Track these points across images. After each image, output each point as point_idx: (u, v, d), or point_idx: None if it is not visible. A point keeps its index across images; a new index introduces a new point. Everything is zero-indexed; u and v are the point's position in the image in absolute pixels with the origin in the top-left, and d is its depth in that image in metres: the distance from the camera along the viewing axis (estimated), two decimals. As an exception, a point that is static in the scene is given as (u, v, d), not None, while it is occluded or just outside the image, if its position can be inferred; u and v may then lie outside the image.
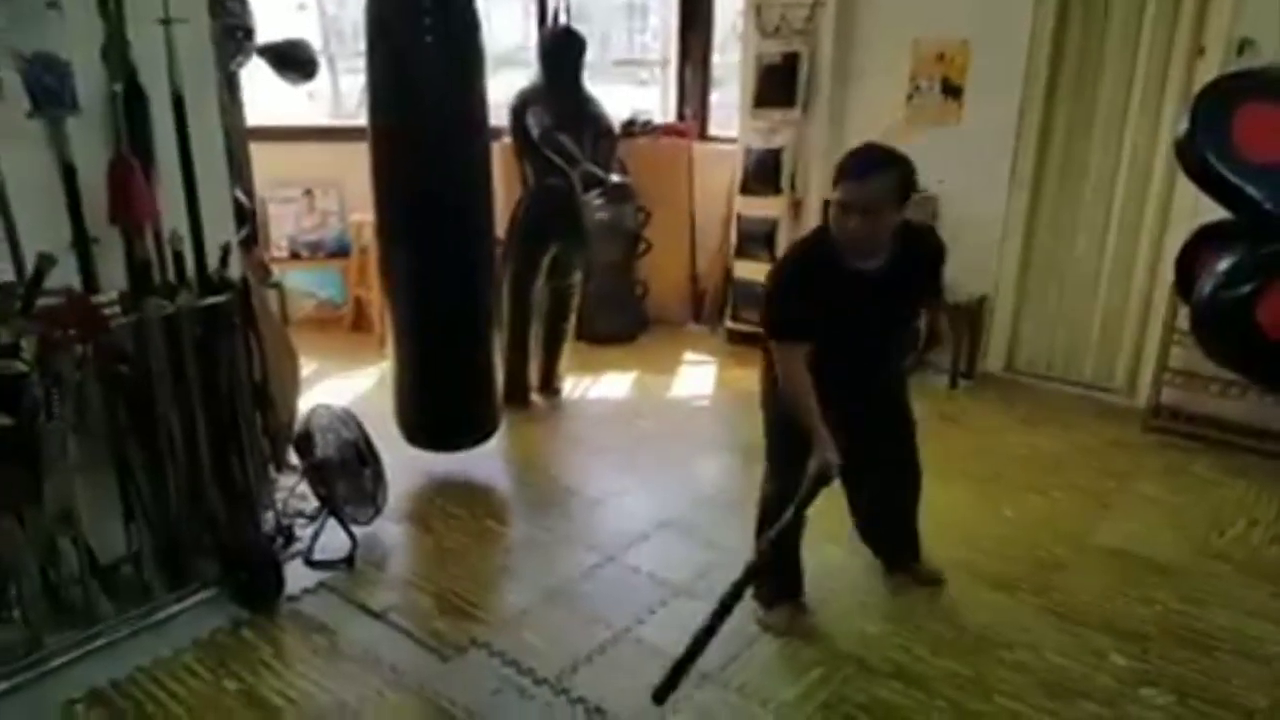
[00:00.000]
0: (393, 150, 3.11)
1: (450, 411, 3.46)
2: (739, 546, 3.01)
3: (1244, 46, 3.67)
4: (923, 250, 2.46)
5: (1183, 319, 3.76)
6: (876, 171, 2.22)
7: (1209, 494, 3.48)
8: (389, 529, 3.14)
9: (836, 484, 2.44)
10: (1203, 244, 2.00)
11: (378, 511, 3.10)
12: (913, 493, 2.80)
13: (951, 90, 4.50)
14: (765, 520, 2.59)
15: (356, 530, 3.00)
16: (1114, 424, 4.12)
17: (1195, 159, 1.47)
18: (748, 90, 5.00)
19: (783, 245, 5.00)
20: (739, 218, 5.16)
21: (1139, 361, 4.28)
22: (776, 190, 4.98)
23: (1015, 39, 4.24)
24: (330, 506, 3.01)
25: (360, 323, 5.30)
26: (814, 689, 2.38)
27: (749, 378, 4.72)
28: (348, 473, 3.06)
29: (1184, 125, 1.49)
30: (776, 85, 4.85)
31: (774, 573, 2.59)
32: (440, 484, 3.50)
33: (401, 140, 3.08)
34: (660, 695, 2.18)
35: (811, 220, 4.91)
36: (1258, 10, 3.64)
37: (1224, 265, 1.43)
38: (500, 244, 3.88)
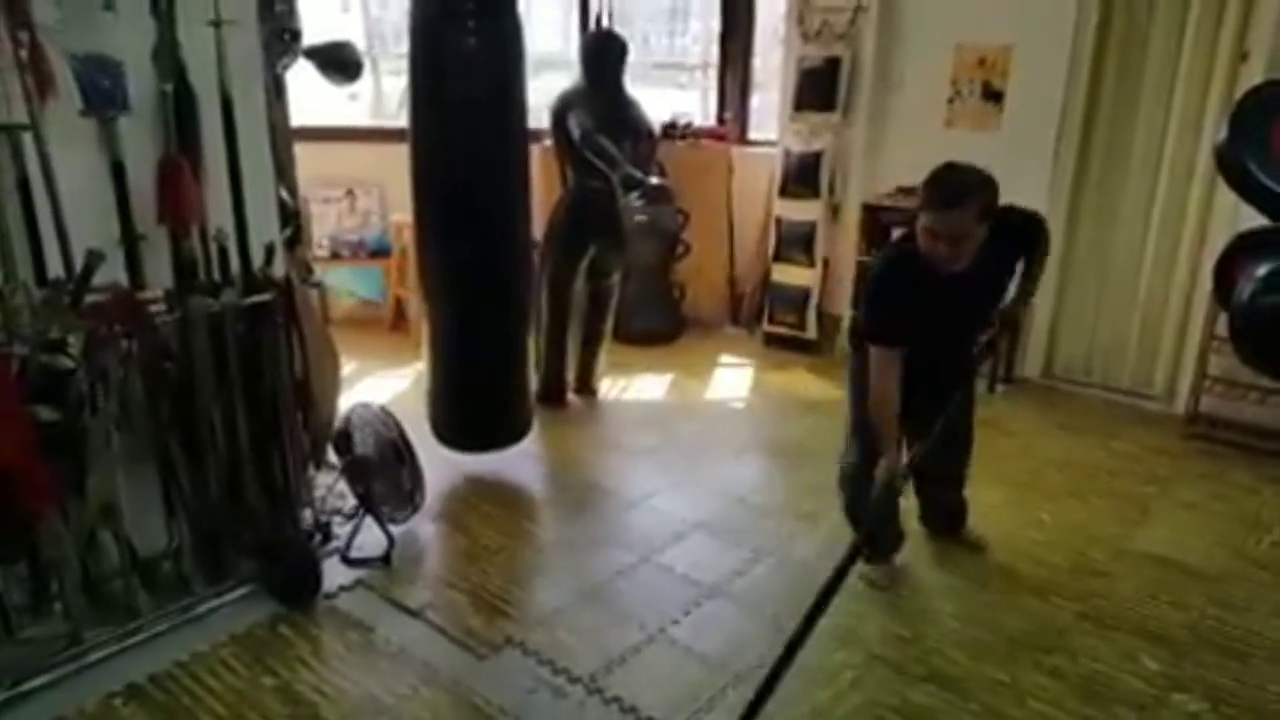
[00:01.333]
0: (431, 152, 3.16)
1: (484, 411, 3.49)
2: (774, 548, 3.09)
3: (1290, 52, 3.62)
4: (1015, 230, 2.54)
5: (1222, 326, 3.70)
6: (961, 202, 2.31)
7: (1247, 501, 3.45)
8: (425, 528, 3.19)
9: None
10: (1241, 251, 2.00)
11: (415, 510, 3.14)
12: (964, 457, 2.94)
13: (993, 95, 4.48)
14: (844, 488, 2.88)
15: (393, 529, 3.04)
16: (1152, 431, 4.09)
17: (1235, 166, 1.47)
18: (788, 93, 5.02)
19: (821, 248, 5.04)
20: (778, 221, 5.17)
21: (1178, 368, 4.24)
22: (815, 193, 4.98)
23: (1058, 44, 4.21)
24: (367, 505, 3.05)
25: (399, 323, 5.36)
26: (846, 692, 2.39)
27: (785, 381, 4.83)
28: (385, 471, 3.10)
29: (1224, 133, 1.50)
30: (817, 89, 4.86)
31: (878, 537, 2.72)
32: (475, 483, 3.54)
33: (440, 142, 3.12)
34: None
35: (850, 223, 4.94)
36: (1302, 17, 3.60)
37: (1263, 271, 1.43)
38: (539, 245, 3.93)
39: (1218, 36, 3.89)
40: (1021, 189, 3.35)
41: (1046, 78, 4.26)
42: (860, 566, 2.70)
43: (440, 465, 3.46)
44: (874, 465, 2.57)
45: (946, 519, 3.07)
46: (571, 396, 4.40)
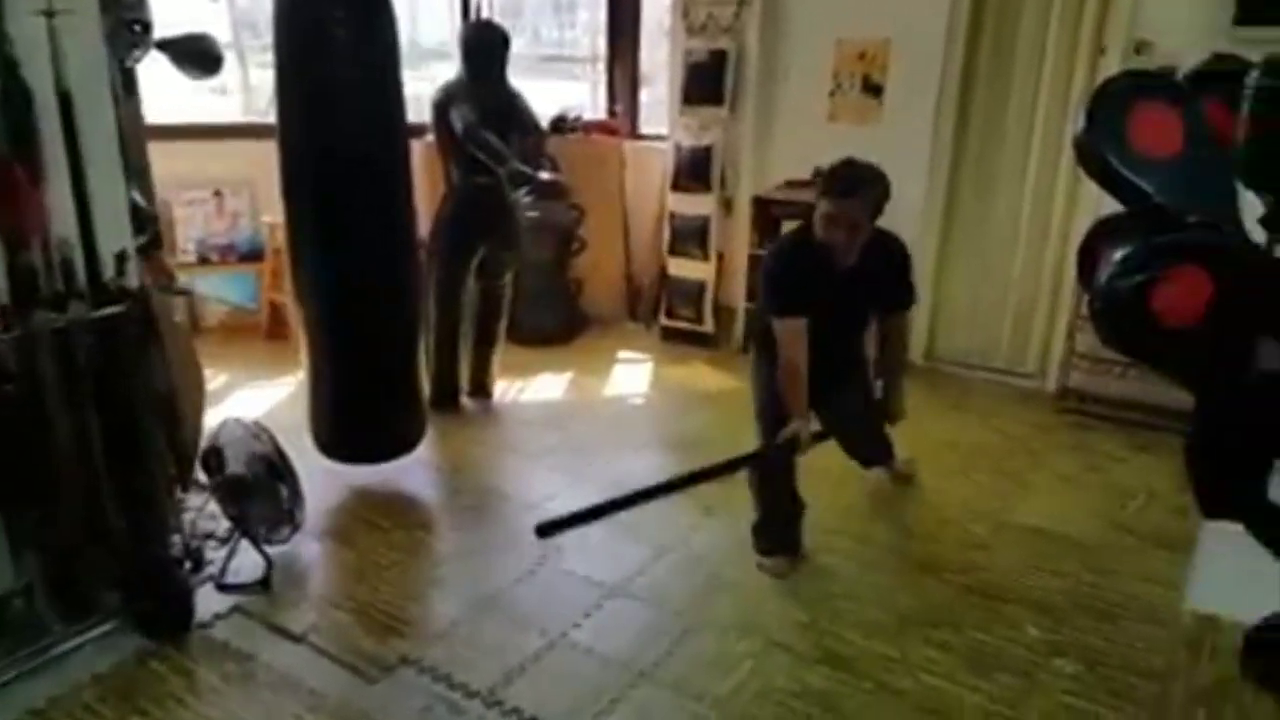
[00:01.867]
0: (300, 149, 3.01)
1: (370, 421, 3.33)
2: (675, 543, 3.09)
3: (1140, 47, 3.85)
4: (887, 253, 2.80)
5: (1087, 306, 3.93)
6: (859, 191, 2.57)
7: (1115, 470, 3.66)
8: (309, 546, 3.02)
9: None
10: (1102, 236, 2.10)
11: (295, 528, 2.95)
12: (878, 414, 3.19)
13: (872, 88, 4.60)
14: (759, 476, 2.97)
15: (273, 550, 2.87)
16: (1028, 407, 4.29)
17: (1093, 155, 1.53)
18: (676, 88, 5.04)
19: (715, 241, 5.08)
20: (672, 215, 5.19)
21: (1048, 347, 4.46)
22: (708, 187, 5.02)
23: (932, 39, 4.36)
24: (241, 526, 2.86)
25: (277, 330, 5.06)
26: (747, 680, 2.41)
27: (684, 375, 4.85)
28: (260, 489, 2.90)
29: (1081, 123, 1.55)
30: (704, 83, 4.90)
31: (772, 526, 2.96)
32: (364, 496, 3.38)
33: (309, 139, 2.98)
34: (544, 530, 2.47)
35: (743, 217, 4.99)
36: (1153, 14, 3.85)
37: (1119, 255, 1.50)
38: (424, 245, 3.83)
39: (1078, 31, 4.11)
40: (901, 181, 3.48)
41: (923, 71, 4.41)
42: (756, 557, 2.96)
43: (325, 479, 3.31)
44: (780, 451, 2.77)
45: (868, 448, 3.37)
46: (466, 400, 4.28)
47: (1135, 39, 3.87)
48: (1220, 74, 1.99)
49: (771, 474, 2.89)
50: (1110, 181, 1.55)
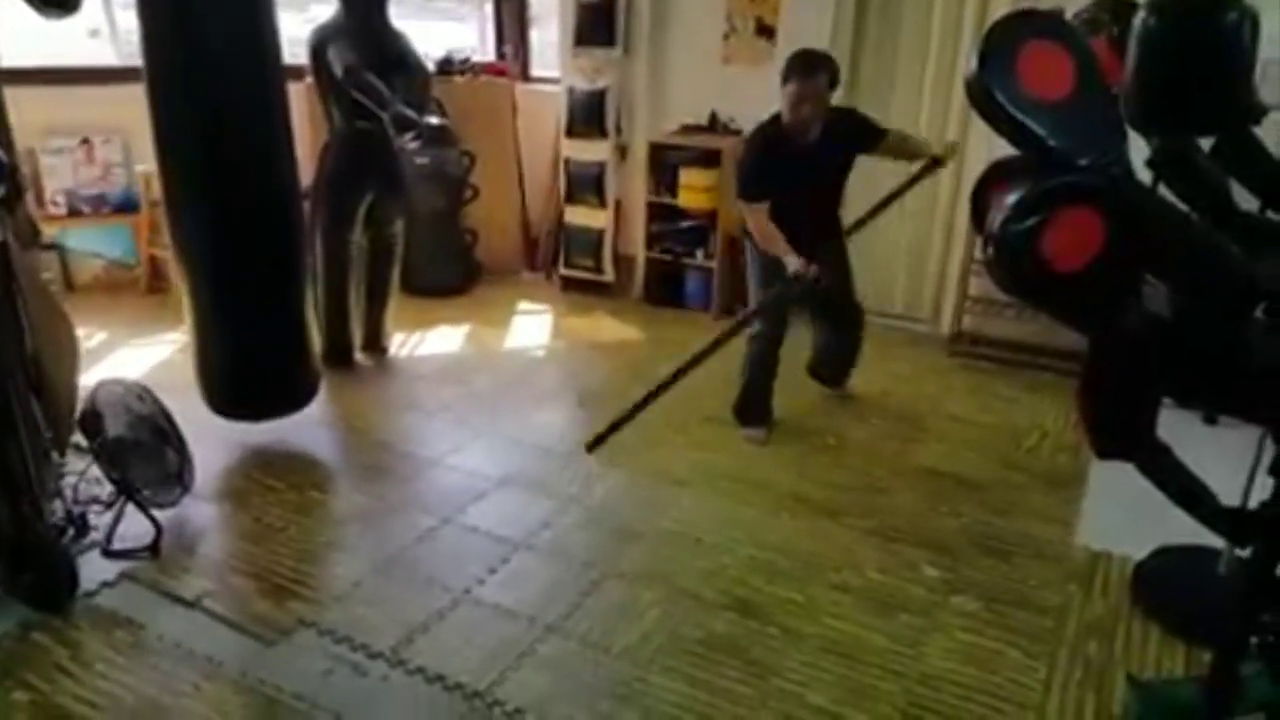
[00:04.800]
0: (171, 91, 2.83)
1: (260, 377, 3.23)
2: (579, 495, 3.07)
3: (1028, -12, 3.88)
4: (840, 120, 3.27)
5: (979, 250, 4.02)
6: (818, 69, 3.08)
7: (1008, 411, 3.78)
8: (200, 509, 2.92)
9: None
10: (995, 180, 2.11)
11: (185, 491, 2.87)
12: (858, 330, 3.69)
13: (765, 30, 4.55)
14: (750, 360, 3.48)
15: (162, 514, 2.77)
16: (923, 351, 4.40)
17: (983, 95, 1.50)
18: (567, 29, 4.89)
19: (612, 189, 4.99)
20: (567, 162, 5.07)
21: (942, 292, 4.57)
22: (603, 134, 4.91)
23: (825, -22, 4.31)
24: (126, 490, 2.74)
25: (157, 284, 4.87)
26: (653, 630, 2.41)
27: (585, 325, 4.78)
28: (144, 452, 2.79)
29: (972, 63, 1.53)
30: (596, 24, 4.76)
31: (755, 403, 3.50)
32: (257, 456, 3.28)
33: (180, 80, 2.80)
34: (591, 445, 2.96)
35: (639, 163, 4.90)
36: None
37: (1011, 199, 1.49)
38: (307, 193, 3.63)
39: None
40: None
41: (814, 13, 4.37)
42: (739, 430, 3.49)
43: (215, 439, 3.20)
44: (770, 342, 3.41)
45: (836, 367, 3.76)
46: (359, 356, 4.16)
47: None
48: (1108, 13, 2.03)
49: (767, 354, 3.43)
50: (1003, 125, 1.53)
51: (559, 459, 3.33)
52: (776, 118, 3.18)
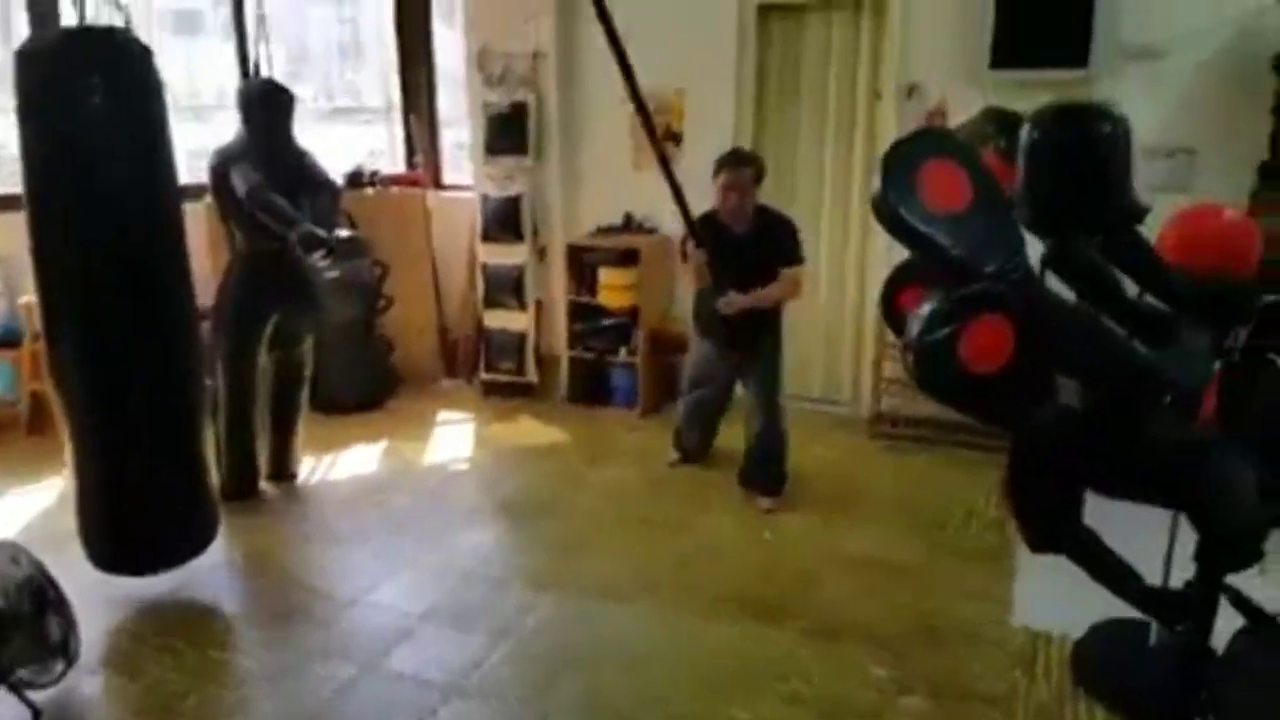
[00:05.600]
0: (51, 220, 2.69)
1: (151, 523, 2.92)
2: (511, 625, 2.90)
3: (912, 91, 4.16)
4: (775, 224, 3.60)
5: (890, 334, 4.15)
6: (745, 163, 3.51)
7: (932, 491, 3.85)
8: (86, 682, 2.60)
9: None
10: (900, 281, 2.19)
11: (69, 663, 2.52)
12: (775, 438, 3.75)
13: (672, 137, 4.70)
14: (688, 416, 4.03)
15: (42, 694, 2.43)
16: (845, 434, 4.47)
17: (889, 213, 1.57)
18: (478, 139, 4.95)
19: (532, 291, 5.00)
20: (484, 267, 5.07)
21: (859, 374, 4.69)
22: (519, 237, 4.94)
23: (722, 88, 4.53)
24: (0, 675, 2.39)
25: (40, 424, 4.43)
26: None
27: (510, 431, 4.70)
28: (22, 625, 2.44)
29: (876, 184, 1.59)
30: (507, 133, 4.84)
31: (691, 429, 4.02)
32: (151, 613, 2.96)
33: (64, 206, 2.66)
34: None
35: (558, 264, 4.95)
36: (918, 63, 4.17)
37: (926, 310, 1.54)
38: (208, 316, 3.51)
39: (856, 77, 4.39)
40: None
41: (717, 119, 4.55)
42: (671, 454, 4.06)
43: (103, 597, 2.90)
44: (698, 407, 3.93)
45: (761, 480, 3.77)
46: (265, 485, 3.90)
47: (906, 83, 4.16)
48: (993, 126, 2.16)
49: (696, 408, 3.95)
50: (907, 238, 1.59)
51: (487, 585, 3.15)
52: (713, 211, 3.55)
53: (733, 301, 3.54)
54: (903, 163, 1.58)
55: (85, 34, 2.65)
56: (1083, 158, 1.67)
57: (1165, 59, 3.74)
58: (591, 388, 5.00)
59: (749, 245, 3.54)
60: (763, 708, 2.49)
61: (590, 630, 2.88)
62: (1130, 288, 1.78)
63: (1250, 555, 1.61)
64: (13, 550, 2.54)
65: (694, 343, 3.94)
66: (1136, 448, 1.58)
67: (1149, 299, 1.75)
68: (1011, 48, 3.86)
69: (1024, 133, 1.72)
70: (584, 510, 3.73)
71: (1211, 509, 1.58)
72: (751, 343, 3.69)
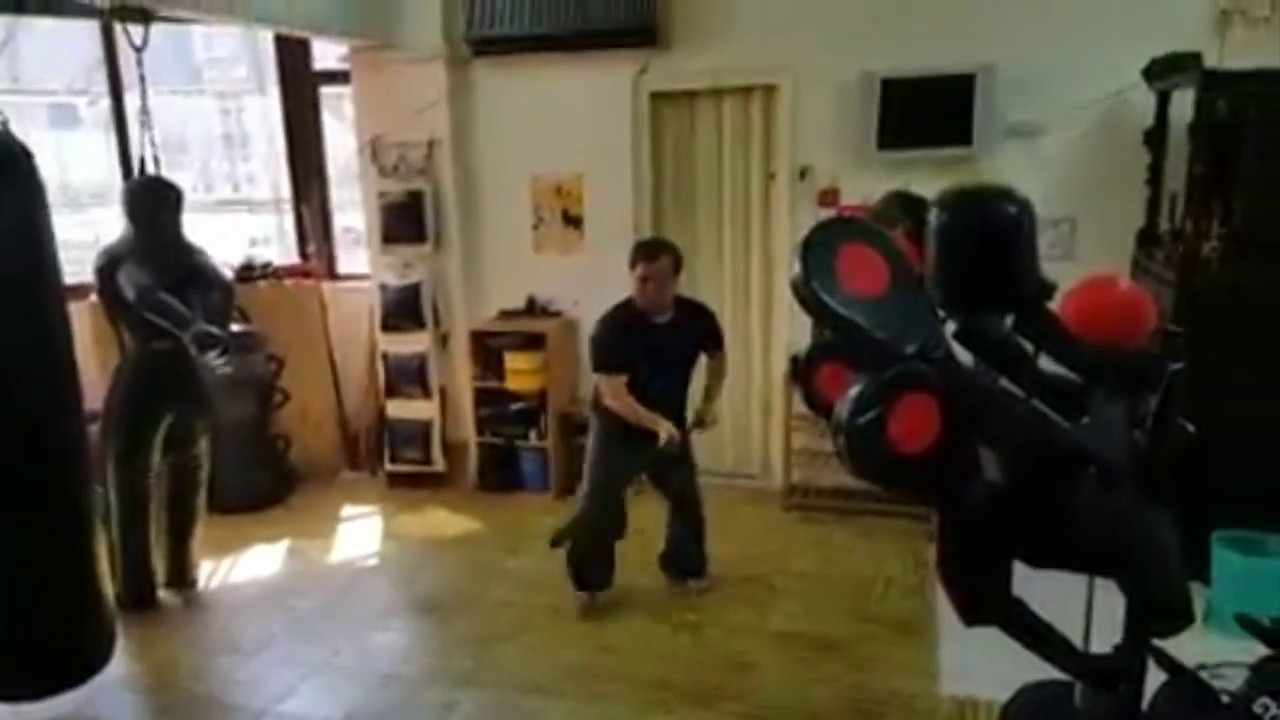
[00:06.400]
0: None
1: (41, 643, 2.70)
2: None
3: (804, 172, 4.33)
4: (694, 312, 3.52)
5: (798, 406, 4.22)
6: (662, 253, 3.36)
7: (850, 561, 3.88)
8: None
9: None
10: (818, 359, 2.23)
11: None
12: (696, 522, 3.69)
13: (572, 220, 4.75)
14: (572, 535, 3.50)
15: None
16: (759, 507, 4.49)
17: (811, 297, 1.60)
18: (374, 228, 4.88)
19: (435, 377, 4.91)
20: (385, 356, 4.95)
21: (768, 447, 4.74)
22: (420, 325, 4.86)
23: (619, 173, 4.61)
24: None
25: None
26: None
27: (419, 522, 4.55)
28: None
29: (796, 268, 1.63)
30: (404, 222, 4.79)
31: (585, 561, 3.50)
32: None
33: None
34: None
35: (461, 350, 4.87)
36: (810, 145, 4.35)
37: (852, 393, 1.57)
38: (97, 420, 3.30)
39: (749, 161, 4.54)
40: (610, 301, 3.65)
41: (616, 203, 4.63)
42: (571, 590, 3.46)
43: None
44: (606, 493, 3.46)
45: (683, 568, 3.70)
46: (163, 594, 3.70)
47: (799, 164, 4.34)
48: (899, 209, 2.25)
49: (599, 513, 3.45)
50: (831, 321, 1.63)
51: (405, 686, 3.05)
52: (630, 300, 3.39)
53: (712, 415, 3.59)
54: (821, 248, 1.62)
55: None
56: (990, 239, 1.76)
57: (1043, 135, 4.00)
58: (501, 473, 4.89)
59: (671, 335, 3.42)
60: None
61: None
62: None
63: (1183, 619, 1.68)
64: None
65: (598, 445, 3.52)
66: (1064, 520, 1.63)
67: (1058, 371, 1.84)
68: (898, 129, 4.06)
69: (932, 215, 1.80)
70: (502, 601, 3.63)
71: (1146, 575, 1.65)
72: (682, 444, 3.53)
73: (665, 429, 3.27)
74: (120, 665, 2.98)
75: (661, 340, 3.38)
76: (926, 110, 4.04)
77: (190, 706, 3.00)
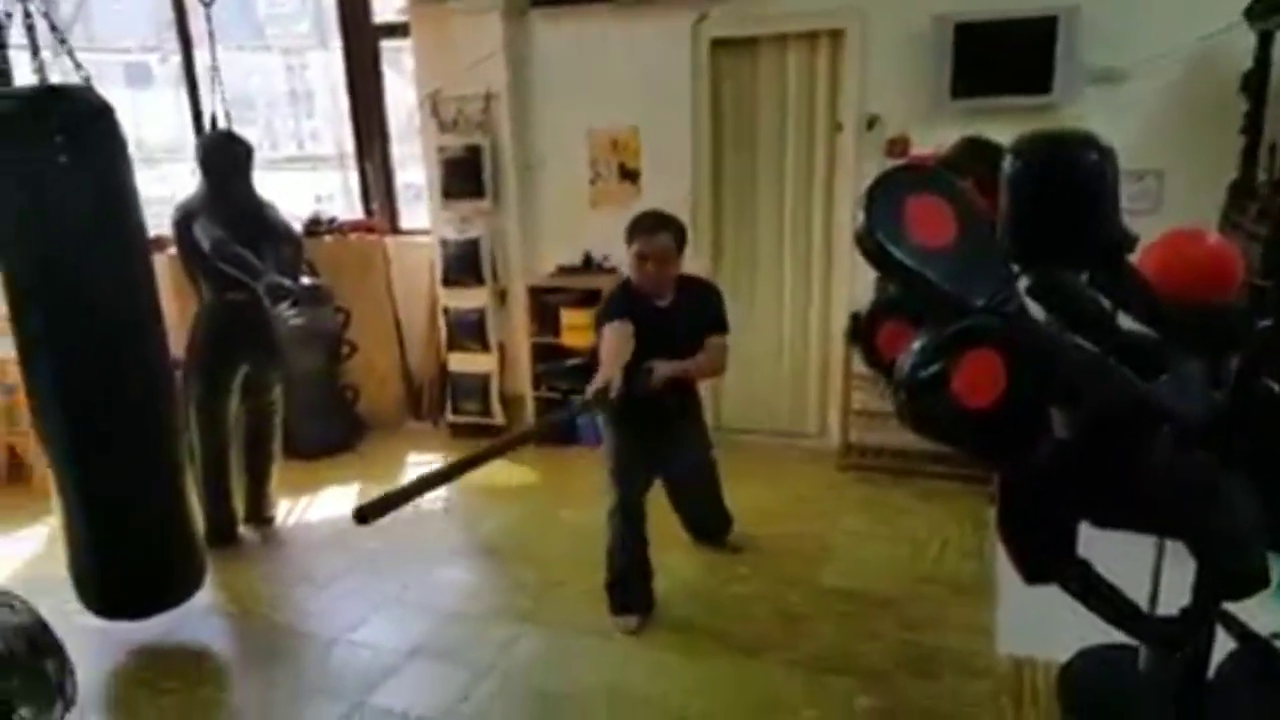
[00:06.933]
0: (28, 277, 2.70)
1: (141, 569, 2.99)
2: (496, 659, 2.94)
3: (872, 122, 4.21)
4: (699, 291, 3.18)
5: (857, 365, 4.18)
6: (662, 227, 2.96)
7: (906, 522, 3.84)
8: None
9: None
10: (881, 315, 2.20)
11: (68, 706, 2.56)
12: (713, 483, 3.51)
13: (629, 174, 4.72)
14: (614, 527, 3.11)
15: None
16: (815, 466, 4.47)
17: (876, 249, 1.57)
18: (434, 183, 4.93)
19: (494, 333, 4.98)
20: (446, 310, 5.03)
21: (826, 406, 4.70)
22: (479, 281, 4.91)
23: (677, 125, 4.55)
24: (1, 715, 2.42)
25: (18, 474, 4.59)
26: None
27: (478, 473, 4.52)
28: (21, 667, 2.47)
29: (860, 218, 1.60)
30: (463, 177, 4.81)
31: (625, 585, 3.11)
32: (144, 655, 3.04)
33: (37, 265, 2.68)
34: (361, 514, 2.16)
35: (519, 306, 4.92)
36: (879, 92, 4.20)
37: (916, 347, 1.54)
38: (179, 366, 3.46)
39: (814, 111, 4.43)
40: None
41: (674, 156, 4.57)
42: (610, 617, 3.09)
43: (98, 641, 2.97)
44: (628, 508, 3.08)
45: (711, 532, 3.59)
46: (244, 530, 3.92)
47: (866, 114, 4.22)
48: (973, 157, 2.19)
49: (627, 535, 3.09)
50: (893, 271, 1.60)
51: (470, 622, 3.18)
52: (628, 281, 3.07)
53: (658, 370, 2.93)
54: (887, 198, 1.59)
55: (51, 94, 2.63)
56: (1068, 187, 1.69)
57: (1130, 81, 3.79)
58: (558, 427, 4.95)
59: (673, 318, 3.04)
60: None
61: (574, 666, 2.88)
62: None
63: (1257, 582, 1.62)
64: (7, 597, 2.59)
65: (609, 436, 3.21)
66: (1135, 479, 1.59)
67: (1137, 329, 1.78)
68: (973, 76, 3.90)
69: (1006, 163, 1.74)
70: (558, 549, 3.72)
71: (1218, 539, 1.60)
72: (678, 421, 3.25)
73: (602, 380, 2.70)
74: (206, 594, 3.25)
75: (664, 325, 2.99)
76: (1003, 56, 3.87)
77: (270, 633, 3.18)
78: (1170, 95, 3.78)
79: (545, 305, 4.82)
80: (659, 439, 3.17)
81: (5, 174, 2.60)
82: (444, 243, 4.93)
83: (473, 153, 4.79)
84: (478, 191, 4.82)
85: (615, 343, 2.85)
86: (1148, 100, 3.81)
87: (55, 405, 2.80)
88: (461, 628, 3.14)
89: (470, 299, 4.94)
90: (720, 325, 3.16)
